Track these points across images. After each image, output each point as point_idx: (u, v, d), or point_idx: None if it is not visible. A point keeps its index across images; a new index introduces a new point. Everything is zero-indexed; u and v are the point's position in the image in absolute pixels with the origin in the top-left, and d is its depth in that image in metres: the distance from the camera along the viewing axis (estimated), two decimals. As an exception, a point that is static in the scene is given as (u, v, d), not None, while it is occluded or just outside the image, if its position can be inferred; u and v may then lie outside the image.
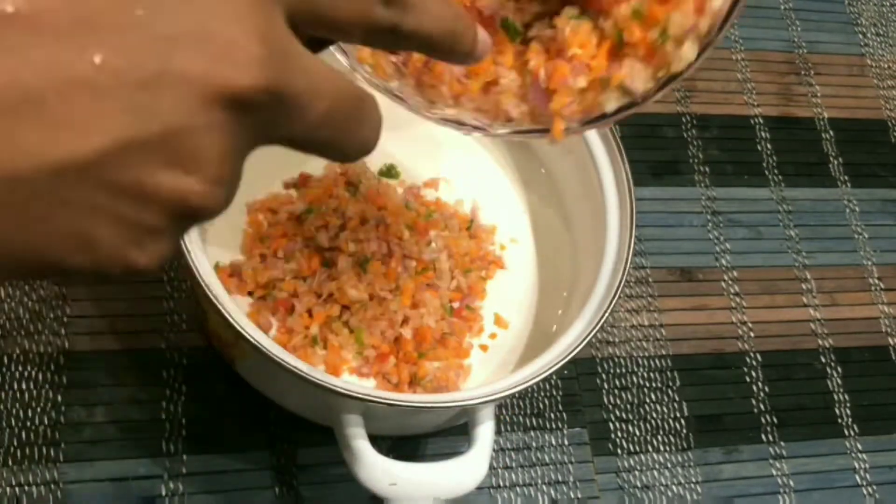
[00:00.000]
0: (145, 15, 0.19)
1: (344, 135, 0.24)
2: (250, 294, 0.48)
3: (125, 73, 0.19)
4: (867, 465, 0.59)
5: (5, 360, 0.50)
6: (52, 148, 0.18)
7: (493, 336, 0.51)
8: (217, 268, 0.48)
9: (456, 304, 0.51)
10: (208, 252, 0.47)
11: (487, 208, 0.55)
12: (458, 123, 0.38)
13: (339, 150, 0.24)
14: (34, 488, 0.47)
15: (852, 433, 0.60)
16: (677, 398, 0.58)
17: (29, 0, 0.18)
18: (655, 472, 0.56)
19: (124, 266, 0.20)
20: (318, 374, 0.41)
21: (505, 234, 0.55)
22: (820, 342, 0.63)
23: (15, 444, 0.48)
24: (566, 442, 0.55)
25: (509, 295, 0.53)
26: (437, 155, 0.56)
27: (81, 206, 0.19)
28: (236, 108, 0.20)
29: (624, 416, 0.57)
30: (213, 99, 0.19)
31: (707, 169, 0.66)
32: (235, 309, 0.41)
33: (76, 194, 0.19)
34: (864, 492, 0.58)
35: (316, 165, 0.52)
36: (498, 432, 0.53)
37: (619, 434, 0.56)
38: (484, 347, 0.51)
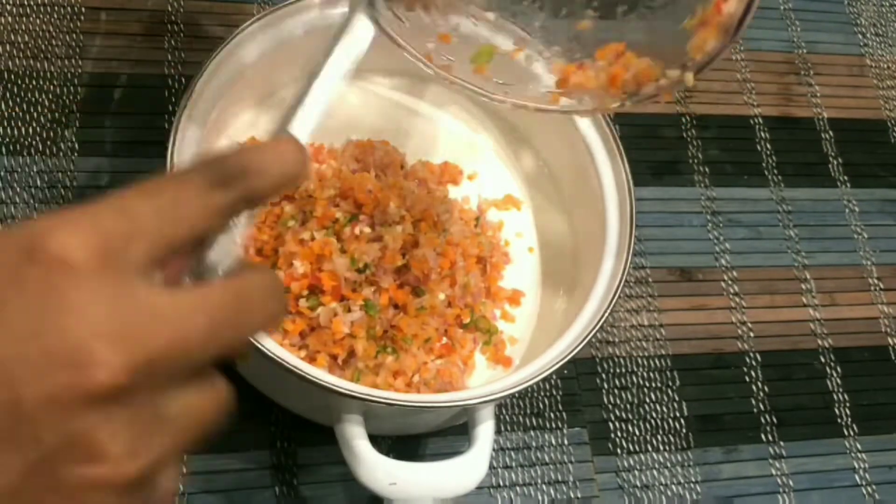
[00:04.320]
0: None
1: (241, 328, 0.25)
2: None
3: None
4: (867, 465, 0.59)
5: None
6: None
7: (498, 332, 0.52)
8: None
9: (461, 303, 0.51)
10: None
11: (492, 206, 0.56)
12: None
13: (248, 335, 0.26)
14: (34, 488, 0.47)
15: (852, 433, 0.60)
16: (677, 398, 0.58)
17: None
18: (655, 472, 0.56)
19: None
20: (318, 373, 0.41)
21: (510, 231, 0.55)
22: (820, 342, 0.63)
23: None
24: (566, 441, 0.55)
25: (514, 289, 0.53)
26: (443, 154, 0.56)
27: None
28: (109, 399, 0.22)
29: (624, 415, 0.57)
30: (80, 404, 0.21)
31: (707, 169, 0.66)
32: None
33: None
34: (864, 492, 0.58)
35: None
36: (498, 432, 0.54)
37: (619, 434, 0.56)
38: (488, 343, 0.51)
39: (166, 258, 0.24)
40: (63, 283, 0.22)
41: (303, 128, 0.34)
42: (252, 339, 0.34)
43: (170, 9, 0.61)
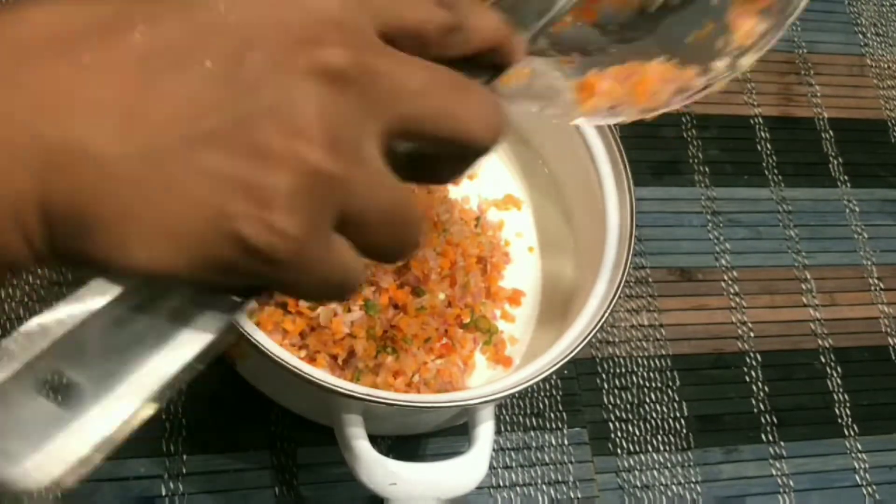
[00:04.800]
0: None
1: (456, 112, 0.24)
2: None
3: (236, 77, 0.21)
4: (867, 465, 0.59)
5: (5, 360, 0.50)
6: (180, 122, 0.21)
7: (498, 332, 0.52)
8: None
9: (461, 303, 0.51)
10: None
11: (492, 206, 0.56)
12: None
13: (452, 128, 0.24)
14: (34, 488, 0.47)
15: (852, 433, 0.60)
16: (677, 398, 0.58)
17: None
18: (655, 472, 0.56)
19: (267, 236, 0.21)
20: (318, 374, 0.41)
21: (511, 230, 0.55)
22: (820, 342, 0.63)
23: (15, 443, 0.48)
24: (566, 442, 0.55)
25: (514, 289, 0.53)
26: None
27: (213, 173, 0.21)
28: (335, 79, 0.22)
29: (624, 415, 0.57)
30: (311, 74, 0.21)
31: (707, 169, 0.66)
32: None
33: (206, 161, 0.21)
34: (864, 492, 0.58)
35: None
36: (498, 432, 0.54)
37: (619, 434, 0.56)
38: (488, 343, 0.51)
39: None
40: None
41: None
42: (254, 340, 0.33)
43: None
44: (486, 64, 0.26)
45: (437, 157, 0.25)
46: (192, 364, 0.23)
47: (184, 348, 0.23)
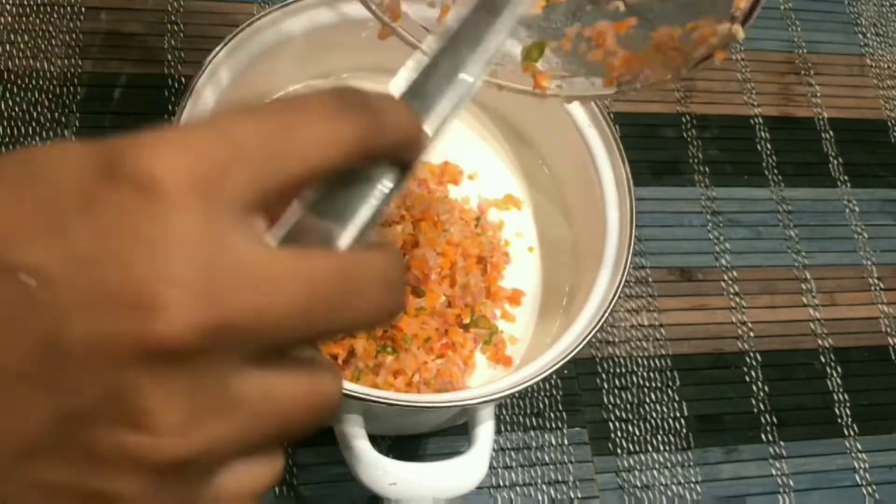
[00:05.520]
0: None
1: (344, 314, 0.20)
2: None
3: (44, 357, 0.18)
4: (867, 465, 0.59)
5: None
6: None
7: (498, 331, 0.52)
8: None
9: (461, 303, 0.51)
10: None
11: (492, 206, 0.55)
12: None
13: (350, 327, 0.21)
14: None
15: (852, 433, 0.60)
16: (677, 398, 0.58)
17: None
18: (655, 472, 0.56)
19: None
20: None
21: (511, 230, 0.55)
22: (820, 342, 0.63)
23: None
24: (566, 442, 0.55)
25: (514, 289, 0.53)
26: (443, 154, 0.56)
27: (50, 487, 0.18)
28: (170, 359, 0.18)
29: (624, 415, 0.57)
30: (133, 357, 0.17)
31: (707, 169, 0.66)
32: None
33: (39, 475, 0.18)
34: (864, 492, 0.58)
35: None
36: (498, 432, 0.54)
37: (619, 434, 0.56)
38: (488, 343, 0.51)
39: (273, 202, 0.20)
40: (142, 209, 0.18)
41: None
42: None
43: (170, 9, 0.61)
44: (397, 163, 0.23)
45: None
46: None
47: None
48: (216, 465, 0.19)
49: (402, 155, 0.23)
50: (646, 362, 0.59)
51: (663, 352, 0.59)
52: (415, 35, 0.40)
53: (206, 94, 0.46)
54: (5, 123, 0.55)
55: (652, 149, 0.66)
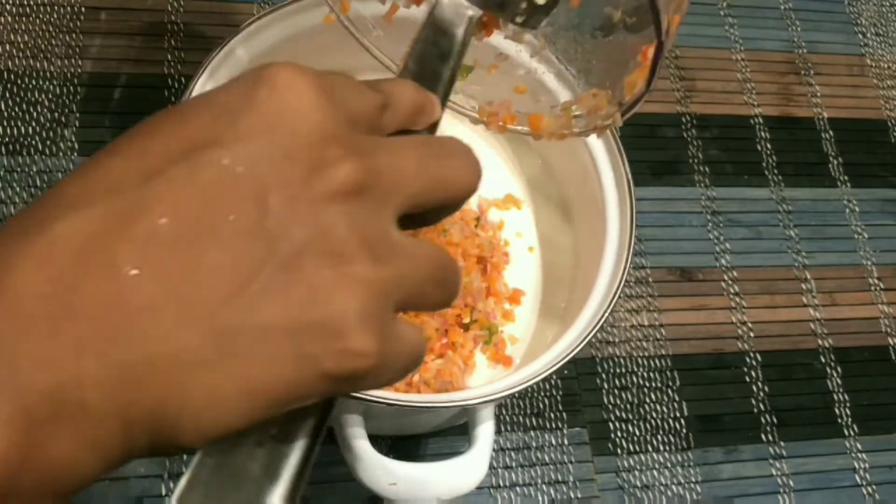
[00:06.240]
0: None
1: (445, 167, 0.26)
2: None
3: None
4: (867, 465, 0.59)
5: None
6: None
7: (498, 331, 0.52)
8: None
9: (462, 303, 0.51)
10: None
11: (492, 206, 0.55)
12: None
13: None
14: (34, 488, 0.47)
15: (852, 433, 0.60)
16: (677, 398, 0.58)
17: None
18: (655, 472, 0.56)
19: (350, 362, 0.22)
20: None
21: (511, 230, 0.55)
22: (820, 342, 0.63)
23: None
24: (566, 442, 0.55)
25: (514, 288, 0.53)
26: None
27: (280, 326, 0.21)
28: (351, 195, 0.23)
29: (624, 415, 0.57)
30: (323, 198, 0.22)
31: (707, 169, 0.66)
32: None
33: (269, 318, 0.21)
34: (864, 492, 0.58)
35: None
36: (498, 432, 0.54)
37: (619, 434, 0.56)
38: (488, 343, 0.51)
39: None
40: (289, 95, 0.23)
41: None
42: None
43: (170, 8, 0.61)
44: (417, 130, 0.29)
45: (433, 209, 0.27)
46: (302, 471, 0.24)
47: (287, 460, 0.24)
48: (401, 287, 0.23)
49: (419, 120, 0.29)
50: (646, 362, 0.59)
51: (663, 352, 0.59)
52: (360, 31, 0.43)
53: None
54: (5, 123, 0.55)
55: (652, 149, 0.66)
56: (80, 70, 0.58)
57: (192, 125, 0.23)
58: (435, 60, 0.33)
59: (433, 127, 0.29)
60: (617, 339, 0.59)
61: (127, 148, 0.23)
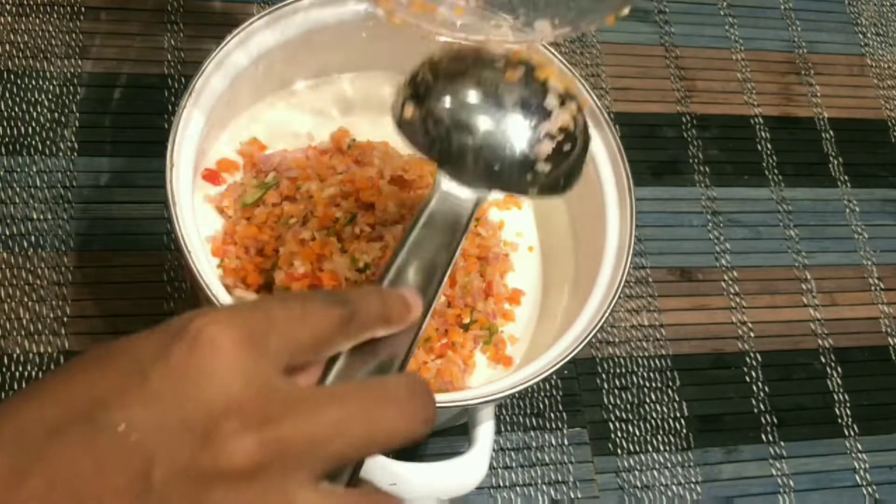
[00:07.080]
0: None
1: (374, 429, 0.25)
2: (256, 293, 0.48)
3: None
4: (867, 465, 0.59)
5: (5, 361, 0.50)
6: None
7: (498, 331, 0.52)
8: (221, 267, 0.48)
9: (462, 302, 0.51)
10: (208, 252, 0.47)
11: (492, 206, 0.55)
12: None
13: (389, 436, 0.25)
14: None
15: (852, 433, 0.60)
16: (677, 398, 0.58)
17: None
18: (655, 472, 0.56)
19: None
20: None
21: (510, 230, 0.55)
22: (820, 342, 0.63)
23: (15, 443, 0.48)
24: (566, 442, 0.55)
25: (514, 288, 0.53)
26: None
27: None
28: (241, 475, 0.22)
29: (624, 416, 0.57)
30: (210, 478, 0.22)
31: (707, 169, 0.66)
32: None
33: None
34: (864, 492, 0.58)
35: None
36: (498, 432, 0.53)
37: (619, 434, 0.56)
38: (488, 343, 0.51)
39: (297, 363, 0.25)
40: (206, 354, 0.23)
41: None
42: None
43: (170, 9, 0.61)
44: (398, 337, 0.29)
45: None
46: None
47: None
48: None
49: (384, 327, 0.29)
50: (646, 362, 0.59)
51: (663, 352, 0.59)
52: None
53: (207, 94, 0.46)
54: (5, 123, 0.55)
55: (652, 149, 0.66)
56: (80, 70, 0.58)
57: (105, 378, 0.23)
58: (433, 252, 0.33)
59: (414, 327, 0.30)
60: (617, 339, 0.59)
61: (46, 393, 0.23)
